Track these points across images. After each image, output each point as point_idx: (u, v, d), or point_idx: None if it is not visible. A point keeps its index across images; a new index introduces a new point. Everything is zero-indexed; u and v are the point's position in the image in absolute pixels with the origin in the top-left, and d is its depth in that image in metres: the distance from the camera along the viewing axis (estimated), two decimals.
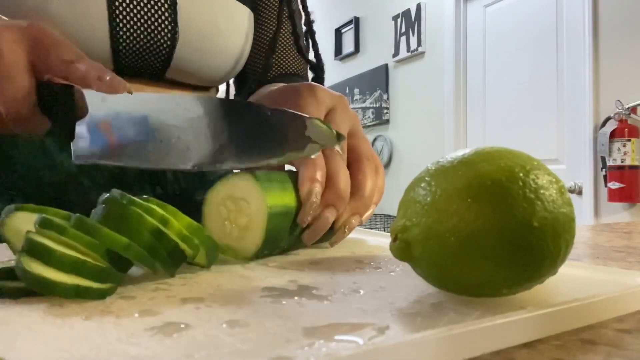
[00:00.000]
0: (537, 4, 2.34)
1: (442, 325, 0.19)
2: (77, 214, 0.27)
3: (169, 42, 0.52)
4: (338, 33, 3.68)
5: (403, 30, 3.07)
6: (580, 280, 0.28)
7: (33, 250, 0.24)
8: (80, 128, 0.34)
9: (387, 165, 3.19)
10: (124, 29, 0.50)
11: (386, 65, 3.22)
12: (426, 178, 0.24)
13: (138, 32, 0.51)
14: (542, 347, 0.20)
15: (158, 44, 0.52)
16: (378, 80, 3.27)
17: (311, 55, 0.69)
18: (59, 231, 0.25)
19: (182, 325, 0.20)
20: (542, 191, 0.22)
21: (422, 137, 2.98)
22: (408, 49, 3.03)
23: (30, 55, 0.35)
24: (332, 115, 0.43)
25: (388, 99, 3.22)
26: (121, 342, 0.18)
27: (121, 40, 0.50)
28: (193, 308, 0.23)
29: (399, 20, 3.10)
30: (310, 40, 0.69)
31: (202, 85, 0.61)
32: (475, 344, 0.19)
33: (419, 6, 2.95)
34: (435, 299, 0.24)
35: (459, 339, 0.19)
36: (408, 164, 3.06)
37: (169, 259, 0.28)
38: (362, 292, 0.26)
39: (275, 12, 0.69)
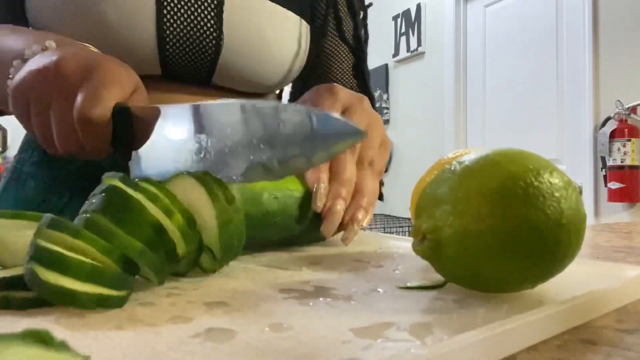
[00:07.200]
0: (537, 4, 2.35)
1: (482, 323, 0.20)
2: (84, 215, 0.24)
3: (214, 48, 0.52)
4: None
5: (403, 30, 3.07)
6: (583, 276, 0.29)
7: (44, 258, 0.22)
8: (142, 150, 0.34)
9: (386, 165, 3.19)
10: (171, 36, 0.50)
11: (386, 65, 3.22)
12: (454, 179, 0.24)
13: (185, 37, 0.51)
14: (542, 347, 0.20)
15: (204, 49, 0.52)
16: (378, 80, 3.27)
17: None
18: (72, 234, 0.23)
19: (226, 331, 0.19)
20: (565, 190, 0.23)
21: (422, 137, 2.98)
22: (408, 49, 3.03)
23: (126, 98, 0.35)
24: (348, 114, 0.43)
25: (388, 99, 3.21)
26: (174, 351, 0.17)
27: (168, 47, 0.50)
28: (222, 313, 0.22)
29: (399, 20, 3.10)
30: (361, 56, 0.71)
31: (254, 92, 0.60)
32: (531, 334, 0.20)
33: (419, 6, 2.95)
34: (454, 295, 0.25)
35: (515, 334, 0.20)
36: (408, 164, 3.06)
37: (167, 262, 0.27)
38: (381, 290, 0.26)
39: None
